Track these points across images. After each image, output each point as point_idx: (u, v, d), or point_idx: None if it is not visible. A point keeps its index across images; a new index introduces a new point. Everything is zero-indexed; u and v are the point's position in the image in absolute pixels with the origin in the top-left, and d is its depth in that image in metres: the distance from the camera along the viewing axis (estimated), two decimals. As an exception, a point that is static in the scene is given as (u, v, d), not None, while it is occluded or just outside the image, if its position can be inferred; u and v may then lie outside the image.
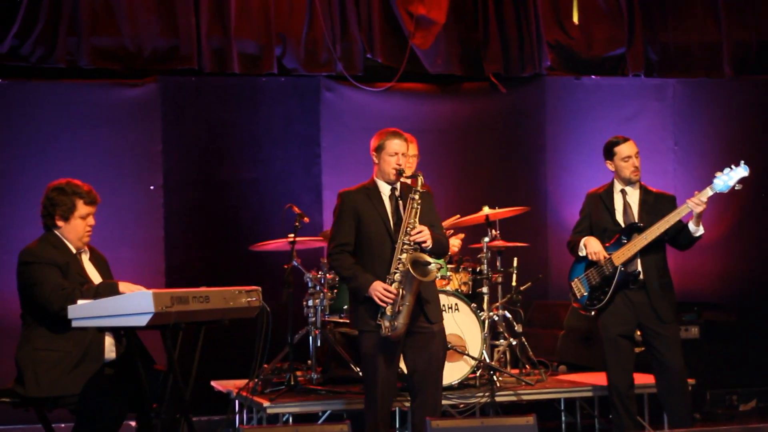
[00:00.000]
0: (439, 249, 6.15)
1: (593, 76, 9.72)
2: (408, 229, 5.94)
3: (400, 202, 6.07)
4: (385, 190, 6.15)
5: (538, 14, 9.42)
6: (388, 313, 5.86)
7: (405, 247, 5.92)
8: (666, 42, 9.76)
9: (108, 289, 5.48)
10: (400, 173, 6.06)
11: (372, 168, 6.22)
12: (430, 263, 5.91)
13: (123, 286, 5.52)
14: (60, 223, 5.75)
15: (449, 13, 9.25)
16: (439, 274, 7.22)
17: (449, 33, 9.28)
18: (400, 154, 6.07)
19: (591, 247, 6.77)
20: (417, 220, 5.98)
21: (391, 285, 5.87)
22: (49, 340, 5.54)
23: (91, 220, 5.81)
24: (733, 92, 9.86)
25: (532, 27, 9.41)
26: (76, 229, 5.76)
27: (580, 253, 6.85)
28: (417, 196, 6.01)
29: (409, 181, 6.19)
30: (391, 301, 5.85)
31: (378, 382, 5.98)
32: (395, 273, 5.90)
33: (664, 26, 9.76)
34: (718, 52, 9.78)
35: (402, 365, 6.30)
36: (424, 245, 5.94)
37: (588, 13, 9.59)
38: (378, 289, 5.87)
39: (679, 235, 6.72)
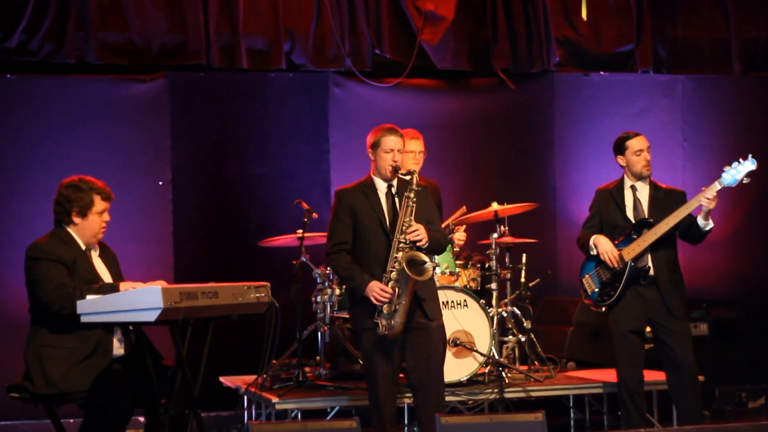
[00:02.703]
0: (436, 247, 6.09)
1: (602, 72, 9.69)
2: (404, 227, 5.90)
3: (397, 199, 6.04)
4: (381, 187, 6.10)
5: (547, 10, 9.40)
6: (385, 311, 5.84)
7: (401, 245, 5.88)
8: (675, 38, 9.74)
9: (109, 291, 5.45)
10: (396, 170, 6.01)
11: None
12: (425, 262, 5.87)
13: (123, 287, 5.49)
14: (77, 219, 5.70)
15: (458, 8, 9.23)
16: (438, 271, 7.19)
17: (458, 29, 9.26)
18: (395, 150, 6.01)
19: (602, 247, 6.75)
20: (413, 218, 5.92)
21: (387, 284, 5.85)
22: (56, 337, 5.53)
23: (106, 216, 5.79)
24: (741, 89, 9.85)
25: (540, 23, 9.39)
26: (92, 225, 5.72)
27: (591, 252, 6.84)
28: (412, 195, 5.94)
29: (407, 177, 6.06)
30: (387, 301, 5.83)
31: (378, 379, 5.97)
32: (391, 272, 5.86)
33: (673, 23, 9.74)
34: (726, 48, 9.77)
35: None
36: (419, 244, 5.89)
37: (597, 9, 9.57)
38: (375, 290, 5.84)
39: (689, 229, 6.71)
